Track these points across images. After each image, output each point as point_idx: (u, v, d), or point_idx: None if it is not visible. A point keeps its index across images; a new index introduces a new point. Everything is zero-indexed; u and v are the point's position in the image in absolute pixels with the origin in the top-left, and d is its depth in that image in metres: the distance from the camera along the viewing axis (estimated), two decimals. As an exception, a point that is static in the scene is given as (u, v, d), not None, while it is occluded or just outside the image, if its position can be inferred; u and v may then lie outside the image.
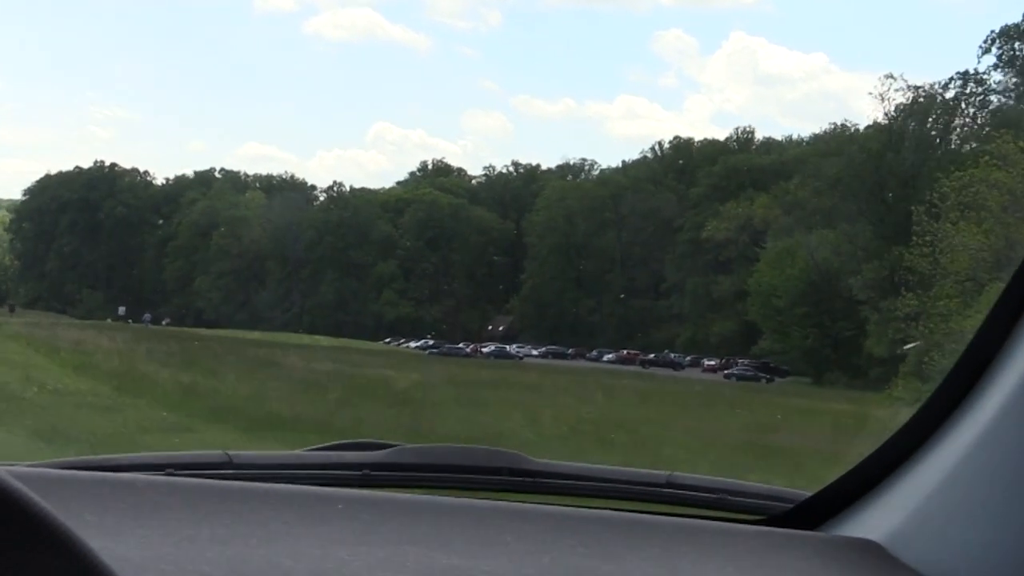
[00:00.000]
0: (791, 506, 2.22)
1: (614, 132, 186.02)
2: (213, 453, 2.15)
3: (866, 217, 73.24)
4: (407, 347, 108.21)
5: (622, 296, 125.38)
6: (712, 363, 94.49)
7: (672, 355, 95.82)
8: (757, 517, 2.23)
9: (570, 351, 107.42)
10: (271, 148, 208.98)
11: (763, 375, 74.76)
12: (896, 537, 1.96)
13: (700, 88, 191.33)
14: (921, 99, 72.37)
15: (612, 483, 2.30)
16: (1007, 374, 1.81)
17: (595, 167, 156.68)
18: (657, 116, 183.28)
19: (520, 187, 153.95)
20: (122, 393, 25.55)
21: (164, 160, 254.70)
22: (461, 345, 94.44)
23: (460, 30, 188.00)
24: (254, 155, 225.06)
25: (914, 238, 47.59)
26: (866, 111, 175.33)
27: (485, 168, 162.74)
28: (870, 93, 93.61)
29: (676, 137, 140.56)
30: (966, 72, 71.14)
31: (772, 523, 2.18)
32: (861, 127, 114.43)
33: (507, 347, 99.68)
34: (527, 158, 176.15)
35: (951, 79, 73.00)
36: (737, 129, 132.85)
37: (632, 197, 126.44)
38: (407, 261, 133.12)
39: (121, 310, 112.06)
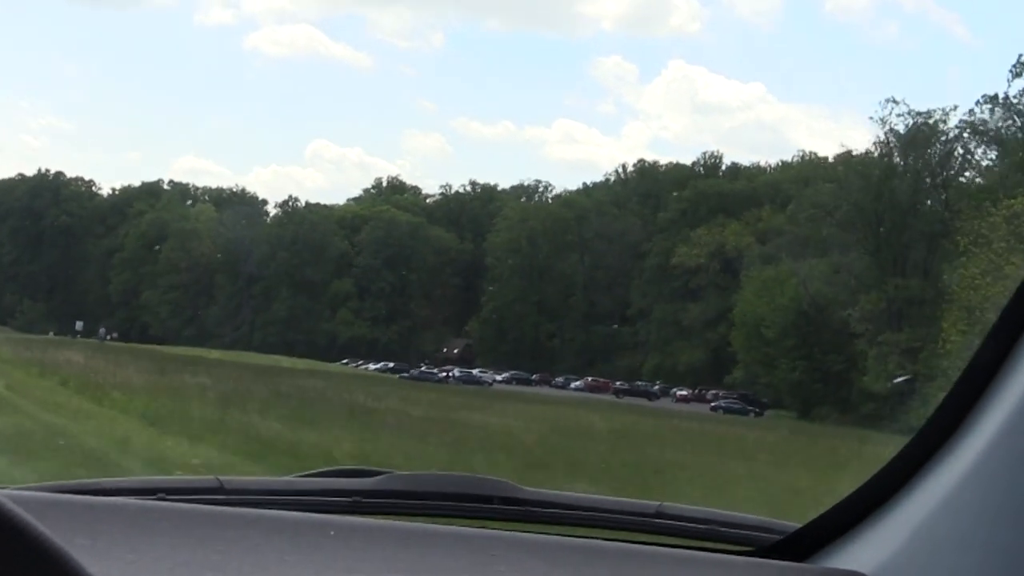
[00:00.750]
0: (780, 537, 2.21)
1: (552, 156, 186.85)
2: (205, 479, 2.15)
3: (862, 246, 70.85)
4: (366, 369, 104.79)
5: (586, 321, 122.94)
6: (684, 393, 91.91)
7: (643, 384, 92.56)
8: (747, 548, 2.22)
9: (534, 377, 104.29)
10: (207, 162, 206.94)
11: (751, 408, 72.08)
12: (884, 569, 1.96)
13: (638, 115, 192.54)
14: (924, 126, 69.91)
15: (602, 513, 2.28)
16: (995, 409, 1.83)
17: (550, 189, 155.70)
18: (595, 141, 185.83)
19: (478, 207, 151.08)
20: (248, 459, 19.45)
21: (99, 172, 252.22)
22: (435, 370, 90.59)
23: (402, 50, 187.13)
24: (190, 168, 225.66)
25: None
26: (806, 140, 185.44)
27: (441, 187, 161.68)
28: (871, 117, 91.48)
29: (641, 160, 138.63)
30: (995, 96, 68.01)
31: (762, 554, 2.18)
32: (824, 155, 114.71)
33: (473, 372, 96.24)
34: (466, 180, 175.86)
35: (977, 101, 69.72)
36: (704, 154, 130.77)
37: (596, 220, 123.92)
38: (363, 280, 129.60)
39: (79, 325, 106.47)
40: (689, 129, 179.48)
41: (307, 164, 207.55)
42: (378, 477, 2.24)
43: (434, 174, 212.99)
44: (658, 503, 2.28)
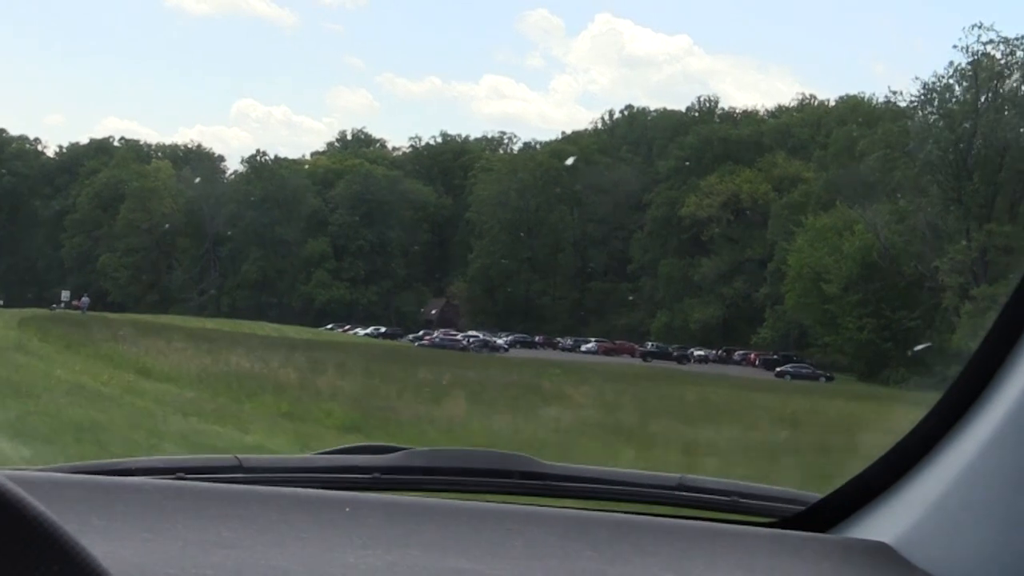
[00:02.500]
0: (803, 508, 2.23)
1: (480, 112, 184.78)
2: (224, 457, 2.15)
3: (943, 189, 63.41)
4: (355, 334, 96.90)
5: (579, 278, 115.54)
6: (700, 353, 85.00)
7: (671, 347, 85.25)
8: (769, 519, 2.24)
9: (537, 339, 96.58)
10: (131, 123, 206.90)
11: (821, 373, 64.71)
12: (907, 539, 1.98)
13: (566, 69, 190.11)
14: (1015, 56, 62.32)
15: (623, 486, 2.30)
16: (1016, 377, 1.83)
17: (515, 140, 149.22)
18: (523, 96, 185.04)
19: (449, 160, 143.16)
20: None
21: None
22: (457, 335, 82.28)
23: (326, 5, 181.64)
24: (113, 130, 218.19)
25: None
26: (733, 92, 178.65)
27: (410, 139, 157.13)
28: (954, 46, 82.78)
29: (629, 106, 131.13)
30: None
31: (784, 525, 2.20)
32: (822, 97, 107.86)
33: (493, 338, 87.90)
34: (391, 138, 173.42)
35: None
36: (699, 98, 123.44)
37: (587, 170, 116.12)
38: (340, 238, 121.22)
39: (65, 295, 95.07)
40: (617, 82, 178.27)
41: (232, 123, 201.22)
42: (397, 453, 2.22)
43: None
44: (679, 475, 2.26)
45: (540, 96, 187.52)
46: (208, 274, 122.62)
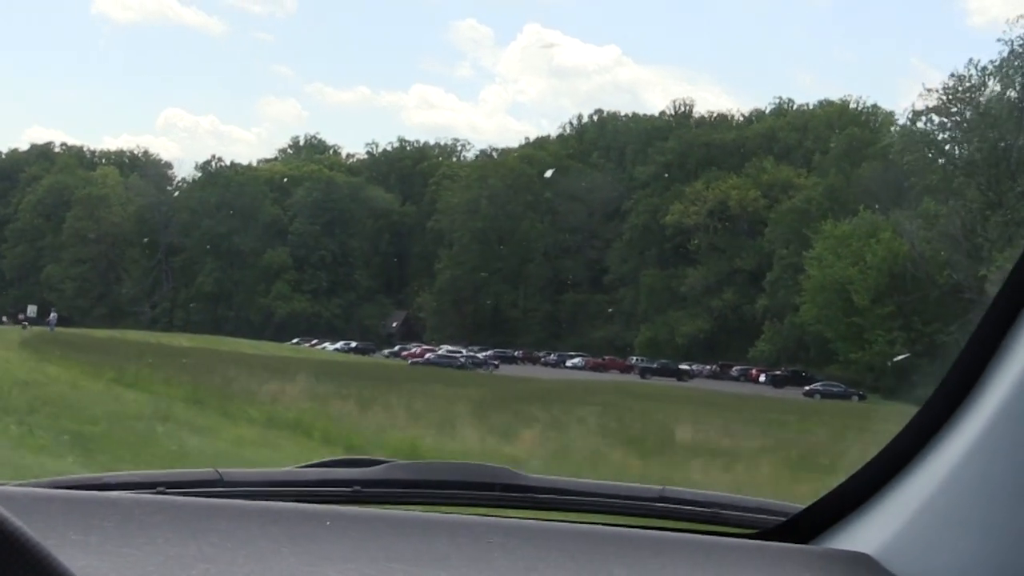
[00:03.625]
0: (784, 519, 2.24)
1: (409, 122, 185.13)
2: (204, 471, 2.14)
3: (983, 193, 59.05)
4: (325, 349, 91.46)
5: (552, 289, 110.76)
6: (687, 368, 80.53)
7: (671, 362, 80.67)
8: (750, 531, 2.24)
9: (517, 354, 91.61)
10: (56, 132, 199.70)
11: (853, 392, 60.10)
12: (888, 550, 1.99)
13: (495, 79, 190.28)
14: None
15: (605, 498, 2.30)
16: (995, 388, 1.85)
17: (468, 147, 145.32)
18: (452, 106, 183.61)
19: (408, 167, 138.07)
20: None
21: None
22: (459, 353, 76.76)
23: (255, 14, 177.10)
24: (37, 140, 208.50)
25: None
26: (662, 103, 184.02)
27: (367, 145, 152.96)
28: (998, 39, 78.58)
29: (599, 110, 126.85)
30: None
31: (765, 537, 2.20)
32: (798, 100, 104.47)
33: (461, 352, 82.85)
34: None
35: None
36: (674, 102, 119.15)
37: (559, 177, 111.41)
38: (300, 248, 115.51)
39: (31, 310, 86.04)
40: (546, 93, 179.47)
41: (160, 133, 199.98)
42: (379, 466, 2.21)
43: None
44: (661, 487, 2.26)
45: (470, 106, 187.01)
46: (160, 286, 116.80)
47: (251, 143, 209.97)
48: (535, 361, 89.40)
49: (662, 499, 2.25)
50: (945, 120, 63.42)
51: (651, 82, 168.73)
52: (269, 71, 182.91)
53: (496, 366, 73.86)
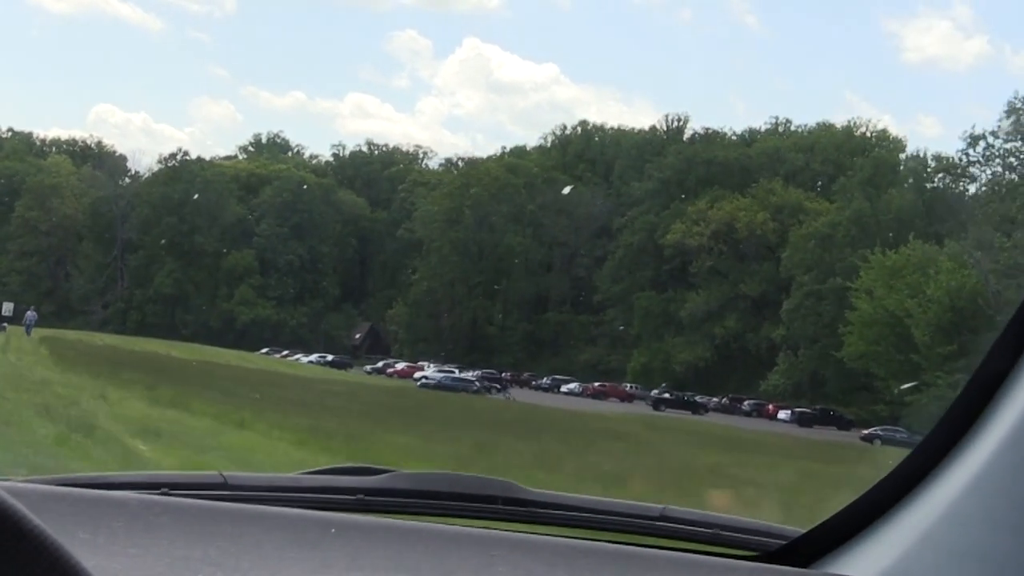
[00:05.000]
0: (784, 543, 2.23)
1: (344, 130, 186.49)
2: (209, 474, 2.14)
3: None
4: (298, 361, 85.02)
5: (534, 307, 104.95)
6: (712, 401, 75.15)
7: (687, 394, 74.94)
8: (751, 553, 2.24)
9: (505, 375, 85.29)
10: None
11: (920, 436, 54.28)
12: None
13: (432, 91, 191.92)
14: None
15: (606, 515, 2.29)
16: (999, 420, 1.85)
17: (430, 155, 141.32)
18: (388, 116, 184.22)
19: (377, 170, 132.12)
20: None
21: None
22: (470, 376, 70.31)
23: (193, 13, 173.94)
24: None
25: None
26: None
27: (333, 147, 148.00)
28: None
29: (583, 121, 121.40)
30: None
31: (765, 559, 2.20)
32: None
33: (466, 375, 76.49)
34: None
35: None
36: (667, 116, 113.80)
37: (546, 188, 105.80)
38: (267, 251, 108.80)
39: (6, 308, 73.15)
40: (483, 108, 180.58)
41: (90, 128, 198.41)
42: (383, 475, 2.21)
43: (224, 144, 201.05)
44: (662, 506, 2.26)
45: (406, 117, 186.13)
46: (115, 285, 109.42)
47: (183, 142, 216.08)
48: (523, 384, 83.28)
49: (663, 518, 2.23)
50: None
51: (587, 101, 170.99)
52: (204, 71, 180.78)
53: (502, 389, 67.65)
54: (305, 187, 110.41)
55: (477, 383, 65.43)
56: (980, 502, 1.82)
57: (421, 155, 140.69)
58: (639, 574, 1.91)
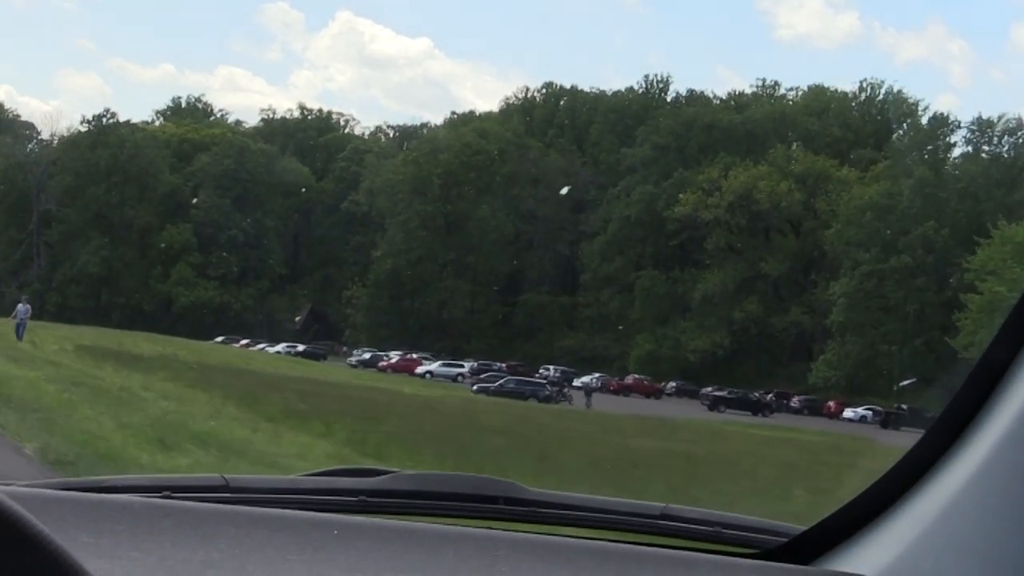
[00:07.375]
0: (785, 540, 2.24)
1: (215, 103, 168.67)
2: (210, 476, 2.15)
3: None
4: (265, 352, 73.91)
5: (507, 289, 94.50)
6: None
7: (747, 392, 64.91)
8: (752, 551, 2.25)
9: (500, 367, 74.51)
10: None
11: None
12: (889, 573, 2.00)
13: (305, 64, 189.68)
14: None
15: (607, 514, 2.31)
16: (999, 417, 1.86)
17: (353, 122, 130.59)
18: (260, 89, 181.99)
19: (312, 136, 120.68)
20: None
21: None
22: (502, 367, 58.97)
23: None
24: None
25: None
26: (472, 97, 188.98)
27: (263, 111, 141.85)
28: None
29: (550, 83, 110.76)
30: None
31: (767, 557, 2.21)
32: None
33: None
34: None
35: None
36: (647, 78, 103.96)
37: (519, 156, 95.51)
38: (206, 226, 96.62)
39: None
40: (357, 82, 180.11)
41: None
42: (384, 476, 2.22)
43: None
44: (663, 505, 2.27)
45: (279, 91, 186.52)
46: (31, 263, 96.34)
47: (49, 116, 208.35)
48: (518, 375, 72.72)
49: (664, 516, 2.23)
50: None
51: (462, 76, 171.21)
52: (70, 43, 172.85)
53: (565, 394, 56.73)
54: (248, 153, 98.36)
55: (548, 387, 54.90)
56: (981, 498, 1.83)
57: (344, 122, 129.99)
58: (641, 573, 1.93)
